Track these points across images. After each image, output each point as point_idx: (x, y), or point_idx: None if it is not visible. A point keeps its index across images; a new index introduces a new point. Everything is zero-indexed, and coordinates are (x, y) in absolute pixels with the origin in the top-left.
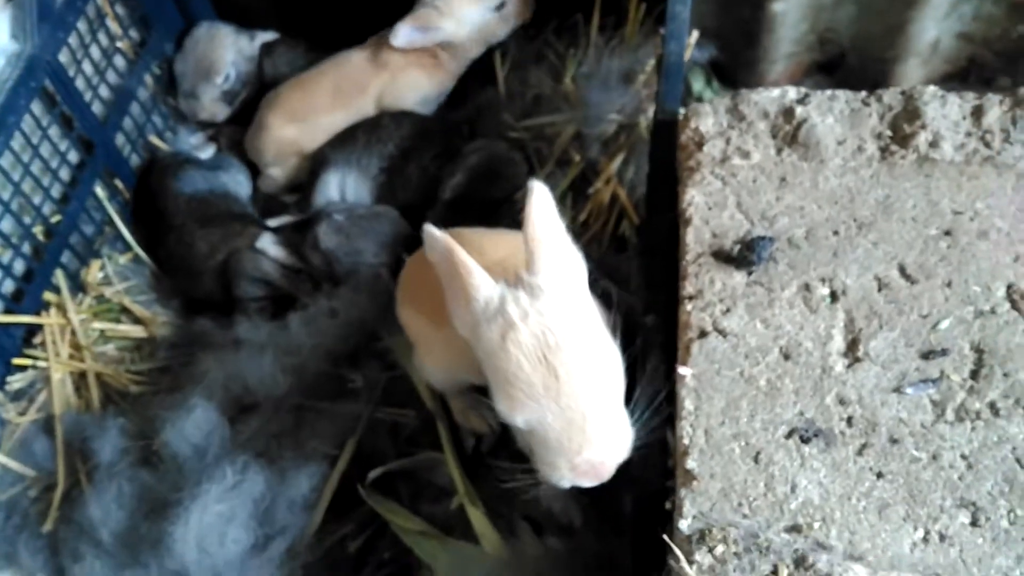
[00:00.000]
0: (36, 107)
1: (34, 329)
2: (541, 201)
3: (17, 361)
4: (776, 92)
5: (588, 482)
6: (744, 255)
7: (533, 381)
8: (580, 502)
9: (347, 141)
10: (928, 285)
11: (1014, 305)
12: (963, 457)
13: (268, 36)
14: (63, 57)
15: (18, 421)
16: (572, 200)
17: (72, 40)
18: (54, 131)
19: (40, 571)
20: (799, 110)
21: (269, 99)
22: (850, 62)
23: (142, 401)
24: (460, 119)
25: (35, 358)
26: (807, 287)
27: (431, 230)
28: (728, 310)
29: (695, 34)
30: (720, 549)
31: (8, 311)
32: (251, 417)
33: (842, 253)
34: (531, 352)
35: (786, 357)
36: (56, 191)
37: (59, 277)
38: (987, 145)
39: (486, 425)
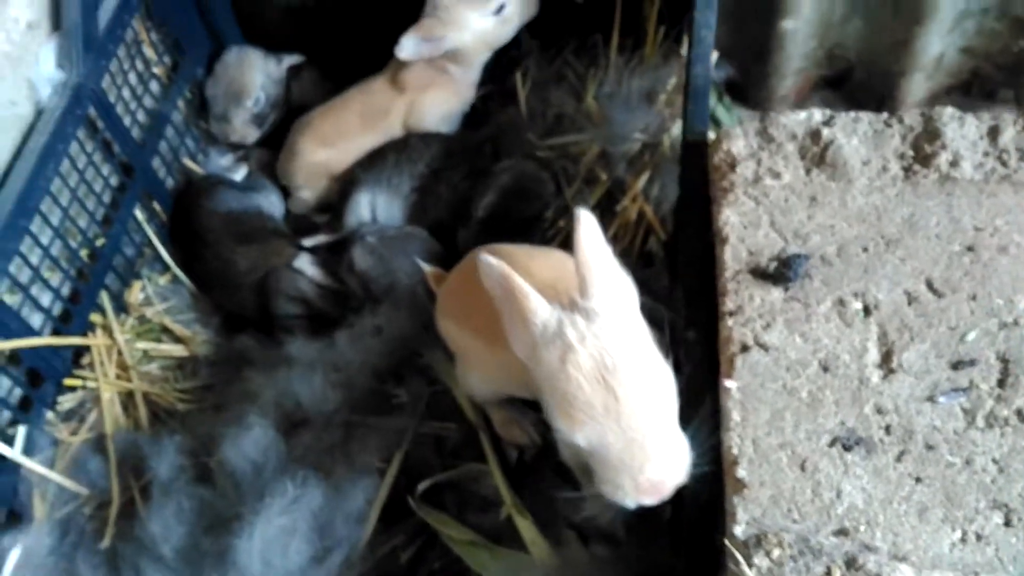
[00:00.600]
0: (81, 132)
1: (81, 350)
2: (589, 229)
3: (68, 382)
4: (803, 115)
5: (650, 500)
6: (781, 272)
7: (593, 402)
8: (622, 511)
9: (377, 162)
10: (954, 299)
11: None
12: (994, 461)
13: (294, 59)
14: (104, 83)
15: (70, 440)
16: (600, 217)
17: (112, 66)
18: (97, 156)
19: None
20: (825, 132)
21: (300, 125)
22: (857, 76)
23: (190, 418)
24: (483, 138)
25: (84, 379)
26: (841, 302)
27: (487, 258)
28: (768, 325)
29: (714, 55)
30: (776, 552)
31: (56, 332)
32: (303, 433)
33: (872, 269)
34: (590, 373)
35: (825, 369)
36: (100, 214)
37: (104, 299)
38: (1004, 164)
39: (527, 437)
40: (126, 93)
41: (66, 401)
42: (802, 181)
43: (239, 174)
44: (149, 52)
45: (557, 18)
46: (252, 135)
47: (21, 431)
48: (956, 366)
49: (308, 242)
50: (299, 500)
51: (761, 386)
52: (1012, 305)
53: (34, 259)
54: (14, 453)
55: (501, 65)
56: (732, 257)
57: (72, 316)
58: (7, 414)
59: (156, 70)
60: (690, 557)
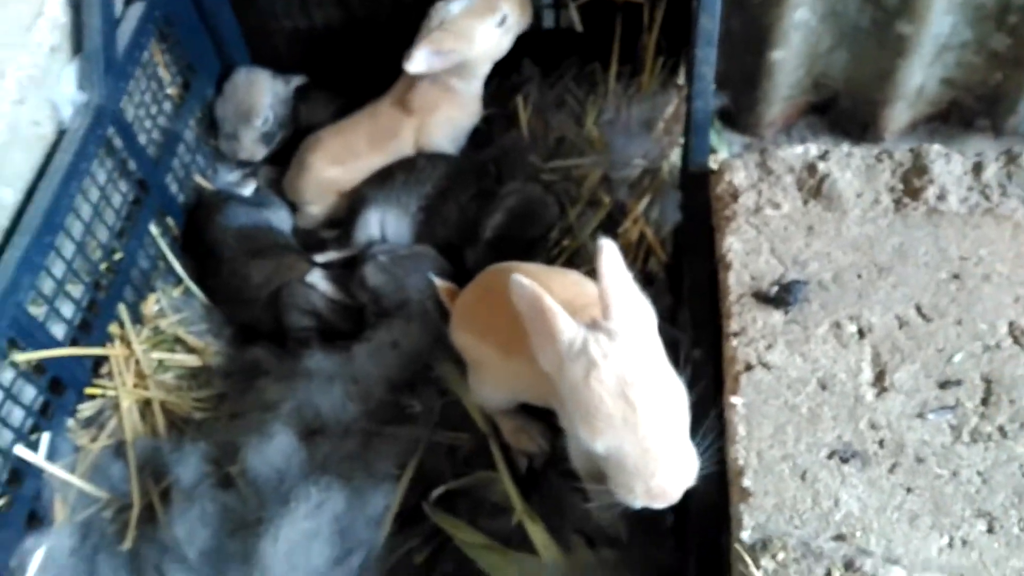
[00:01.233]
0: (101, 151)
1: (99, 360)
2: (611, 256)
3: (89, 390)
4: (800, 149)
5: (660, 504)
6: (781, 296)
7: (613, 413)
8: (625, 516)
9: (386, 180)
10: (942, 323)
11: (1016, 340)
12: (979, 474)
13: (301, 80)
14: (122, 104)
15: (90, 447)
16: None
17: (130, 88)
18: (115, 173)
19: None
20: (821, 165)
21: (310, 142)
22: (842, 104)
23: (207, 426)
24: (487, 159)
25: (104, 387)
26: (838, 325)
27: (519, 278)
28: (770, 346)
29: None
30: (781, 556)
31: (76, 342)
32: (321, 441)
33: (866, 294)
34: (612, 388)
35: (823, 387)
36: (117, 229)
37: (122, 310)
38: (987, 198)
39: (535, 445)
40: (142, 113)
41: (86, 409)
42: (800, 211)
43: (247, 190)
44: (163, 74)
45: (557, 45)
46: (260, 153)
47: (45, 437)
48: (944, 385)
49: (320, 258)
50: (323, 505)
51: (764, 402)
52: (995, 329)
53: (58, 272)
54: (38, 459)
55: (503, 90)
56: (736, 282)
57: (91, 327)
58: (31, 421)
59: (169, 91)
60: (699, 558)
